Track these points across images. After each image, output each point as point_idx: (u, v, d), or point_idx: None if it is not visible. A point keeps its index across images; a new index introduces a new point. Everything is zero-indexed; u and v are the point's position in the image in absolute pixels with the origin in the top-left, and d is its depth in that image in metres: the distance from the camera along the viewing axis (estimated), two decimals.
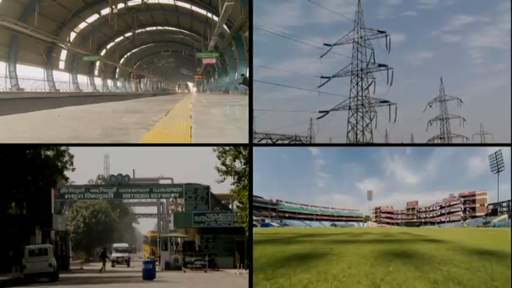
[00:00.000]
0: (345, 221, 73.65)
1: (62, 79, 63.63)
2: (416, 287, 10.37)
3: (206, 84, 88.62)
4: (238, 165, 24.77)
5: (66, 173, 30.73)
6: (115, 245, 43.36)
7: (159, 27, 69.68)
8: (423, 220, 70.65)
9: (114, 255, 39.27)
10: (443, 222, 65.26)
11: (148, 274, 25.54)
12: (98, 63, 69.11)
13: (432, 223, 67.54)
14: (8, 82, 50.63)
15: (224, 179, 25.57)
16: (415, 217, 73.06)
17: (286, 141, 34.44)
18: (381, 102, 34.88)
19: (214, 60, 57.39)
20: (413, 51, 30.42)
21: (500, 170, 45.37)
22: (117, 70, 79.50)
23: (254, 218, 37.59)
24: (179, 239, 34.55)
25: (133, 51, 76.91)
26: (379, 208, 77.89)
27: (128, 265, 37.99)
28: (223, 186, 28.26)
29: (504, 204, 51.10)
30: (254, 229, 23.96)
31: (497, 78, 29.73)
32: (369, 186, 70.50)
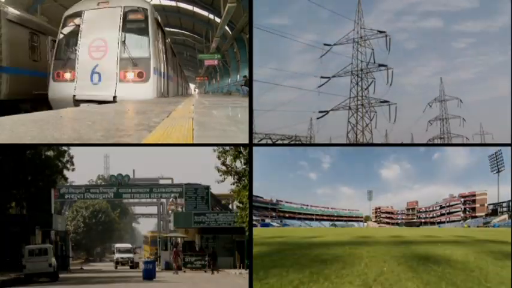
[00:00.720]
0: (345, 221, 73.69)
1: None
2: None
3: (208, 85, 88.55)
4: (239, 165, 24.81)
5: (66, 173, 30.84)
6: (117, 245, 41.97)
7: None
8: (423, 220, 70.64)
9: (117, 256, 38.31)
10: (443, 222, 65.27)
11: (148, 274, 25.62)
12: None
13: (432, 223, 67.53)
14: None
15: (224, 179, 25.56)
16: (415, 217, 73.06)
17: (286, 141, 34.51)
18: (381, 102, 34.94)
19: (216, 62, 57.24)
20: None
21: (500, 170, 45.44)
22: None
23: (254, 218, 37.67)
24: (179, 239, 34.61)
25: None
26: (379, 208, 77.94)
27: (133, 267, 36.42)
28: (223, 186, 28.29)
29: (504, 204, 51.16)
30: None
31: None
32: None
